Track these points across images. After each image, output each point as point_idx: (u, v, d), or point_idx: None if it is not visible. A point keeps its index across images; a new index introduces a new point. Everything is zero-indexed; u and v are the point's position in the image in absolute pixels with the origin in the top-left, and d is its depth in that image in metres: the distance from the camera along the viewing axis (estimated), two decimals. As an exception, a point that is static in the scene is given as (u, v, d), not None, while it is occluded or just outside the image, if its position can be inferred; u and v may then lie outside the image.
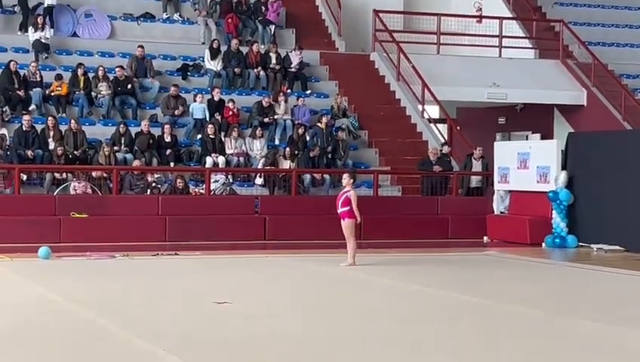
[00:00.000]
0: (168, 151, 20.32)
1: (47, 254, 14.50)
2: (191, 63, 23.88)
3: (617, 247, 17.40)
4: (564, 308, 10.44)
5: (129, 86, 21.81)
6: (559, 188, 18.30)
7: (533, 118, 27.14)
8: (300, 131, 21.41)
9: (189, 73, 23.59)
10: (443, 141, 22.96)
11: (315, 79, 24.63)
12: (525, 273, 14.37)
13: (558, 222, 18.30)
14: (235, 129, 21.19)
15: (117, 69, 21.86)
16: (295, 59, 23.92)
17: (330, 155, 21.28)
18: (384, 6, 26.41)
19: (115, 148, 19.80)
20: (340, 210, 14.25)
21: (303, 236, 18.28)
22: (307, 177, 20.58)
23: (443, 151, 21.76)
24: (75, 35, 24.13)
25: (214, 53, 23.41)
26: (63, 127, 20.03)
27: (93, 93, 21.63)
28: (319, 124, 21.56)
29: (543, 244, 18.29)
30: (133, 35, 24.54)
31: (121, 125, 20.32)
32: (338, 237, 14.78)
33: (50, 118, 19.97)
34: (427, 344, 8.36)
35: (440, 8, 27.48)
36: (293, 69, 23.86)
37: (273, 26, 25.39)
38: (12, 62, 21.02)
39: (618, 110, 25.47)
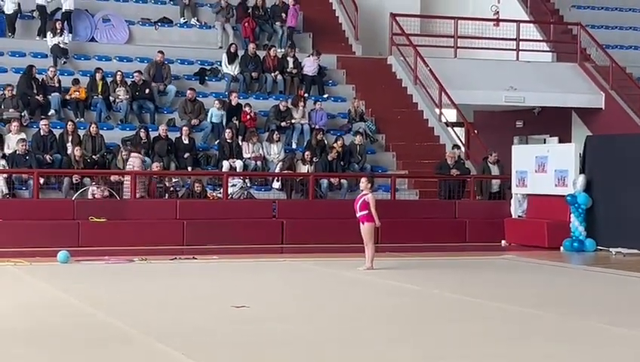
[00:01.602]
0: (186, 155, 20.36)
1: (66, 258, 14.56)
2: (208, 68, 23.95)
3: (636, 251, 17.31)
4: (582, 312, 10.41)
5: (147, 90, 21.88)
6: (577, 191, 18.25)
7: (550, 122, 27.07)
8: (319, 137, 21.43)
9: (206, 77, 23.66)
10: (453, 144, 22.71)
11: (332, 83, 24.65)
12: (543, 277, 14.33)
13: (577, 225, 18.24)
14: (253, 133, 21.23)
15: (135, 74, 21.92)
16: (311, 64, 23.92)
17: (347, 163, 21.24)
18: (401, 9, 26.41)
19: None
20: (358, 214, 14.24)
21: (320, 240, 18.29)
22: (324, 181, 20.59)
23: (457, 154, 21.69)
24: (93, 39, 24.25)
25: (231, 58, 23.47)
26: (81, 132, 20.12)
27: (111, 98, 21.72)
28: (335, 145, 21.36)
29: (561, 248, 18.22)
30: (150, 39, 24.65)
31: (142, 130, 20.34)
32: (356, 241, 14.78)
33: (69, 123, 20.07)
34: (443, 347, 8.35)
35: (457, 12, 27.46)
36: (309, 74, 23.86)
37: (291, 30, 25.42)
38: (33, 68, 21.12)
39: (636, 113, 25.39)
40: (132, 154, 19.43)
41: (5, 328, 9.00)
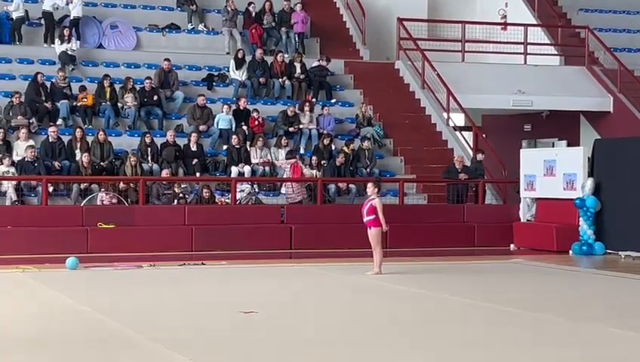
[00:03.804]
0: (194, 161, 20.39)
1: (75, 265, 14.58)
2: (216, 73, 23.97)
3: (645, 254, 17.30)
4: (591, 316, 10.39)
5: (155, 97, 21.91)
6: (586, 195, 18.22)
7: (559, 125, 27.04)
8: (326, 141, 21.43)
9: (214, 83, 23.68)
10: (477, 148, 22.50)
11: (340, 88, 24.65)
12: (552, 281, 14.30)
13: (585, 229, 18.21)
14: (260, 138, 21.25)
15: (146, 81, 21.95)
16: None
17: (354, 168, 21.24)
18: (408, 14, 26.40)
19: (142, 159, 19.89)
20: (365, 219, 14.23)
21: (328, 245, 18.30)
22: (332, 186, 20.59)
23: (478, 159, 21.59)
24: (100, 46, 24.29)
25: (239, 63, 23.50)
26: (89, 138, 20.16)
27: (119, 104, 21.74)
28: (345, 148, 21.41)
29: (570, 252, 18.20)
30: (158, 45, 24.68)
31: (147, 136, 20.40)
32: (364, 246, 14.78)
33: (77, 130, 20.10)
34: (452, 352, 8.33)
35: (464, 16, 27.45)
36: (315, 77, 23.92)
37: (301, 36, 25.45)
38: (39, 75, 21.18)
39: (645, 116, 25.33)
40: (290, 160, 20.02)
41: (13, 334, 9.02)
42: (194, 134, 20.75)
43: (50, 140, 19.65)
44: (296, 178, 20.62)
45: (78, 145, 19.88)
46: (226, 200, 19.67)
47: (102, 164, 19.72)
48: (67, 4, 23.52)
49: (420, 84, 24.67)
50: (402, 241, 18.46)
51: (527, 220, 19.78)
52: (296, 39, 25.40)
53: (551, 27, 27.77)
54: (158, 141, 20.60)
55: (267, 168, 20.88)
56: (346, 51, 26.27)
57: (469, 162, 21.94)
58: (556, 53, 27.30)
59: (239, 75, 23.47)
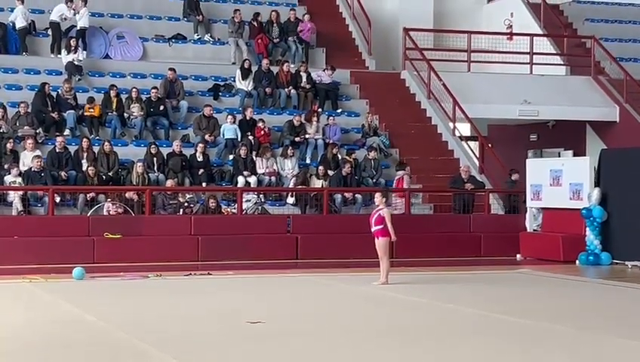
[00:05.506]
0: (201, 171, 20.41)
1: (82, 275, 14.59)
2: (222, 83, 24.01)
3: (652, 264, 17.27)
4: (598, 326, 10.37)
5: (161, 107, 21.95)
6: (592, 205, 18.19)
7: (565, 135, 27.03)
8: (334, 151, 21.44)
9: (220, 93, 23.72)
10: (511, 168, 21.80)
11: (346, 98, 24.67)
12: (559, 291, 14.28)
13: (592, 239, 18.18)
14: (267, 148, 21.26)
15: (152, 91, 21.99)
16: (326, 78, 24.05)
17: (360, 178, 21.25)
18: (414, 24, 26.43)
19: (148, 170, 19.92)
20: (373, 229, 14.24)
21: (335, 255, 18.28)
22: (339, 196, 20.59)
23: (512, 178, 21.41)
24: (107, 56, 24.34)
25: (245, 73, 23.53)
26: (95, 148, 20.19)
27: (125, 114, 21.78)
28: (347, 157, 21.43)
29: (577, 262, 18.17)
30: (164, 56, 24.73)
31: (152, 146, 20.43)
32: (370, 256, 14.77)
33: (84, 140, 20.13)
34: (457, 360, 8.34)
35: (470, 26, 27.46)
36: (325, 82, 23.90)
37: (304, 45, 25.48)
38: (47, 85, 21.23)
39: (651, 126, 25.31)
40: (399, 171, 20.91)
41: (20, 344, 9.03)
42: (200, 144, 20.78)
43: (57, 150, 19.69)
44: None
45: (85, 155, 19.92)
46: (232, 210, 19.68)
47: (108, 173, 19.74)
48: (74, 14, 23.59)
49: (426, 94, 24.68)
50: (408, 251, 18.40)
51: (534, 230, 19.76)
52: (302, 46, 25.42)
53: (557, 37, 27.78)
54: (165, 151, 20.64)
55: (273, 178, 20.90)
56: (352, 61, 26.29)
57: (475, 172, 21.96)
58: (562, 63, 27.30)
59: (245, 85, 23.51)
